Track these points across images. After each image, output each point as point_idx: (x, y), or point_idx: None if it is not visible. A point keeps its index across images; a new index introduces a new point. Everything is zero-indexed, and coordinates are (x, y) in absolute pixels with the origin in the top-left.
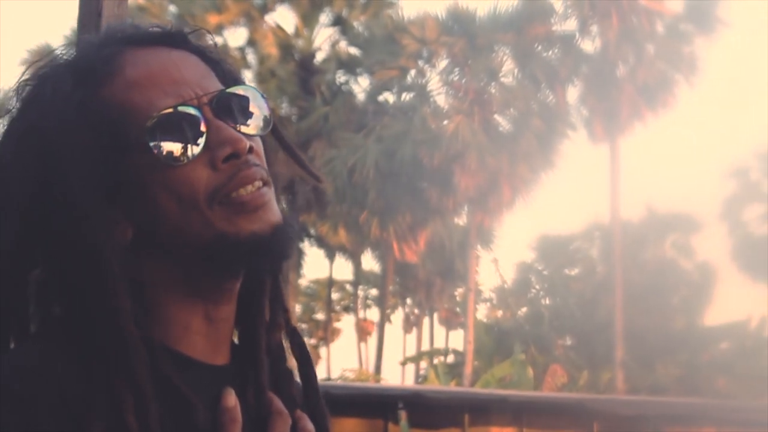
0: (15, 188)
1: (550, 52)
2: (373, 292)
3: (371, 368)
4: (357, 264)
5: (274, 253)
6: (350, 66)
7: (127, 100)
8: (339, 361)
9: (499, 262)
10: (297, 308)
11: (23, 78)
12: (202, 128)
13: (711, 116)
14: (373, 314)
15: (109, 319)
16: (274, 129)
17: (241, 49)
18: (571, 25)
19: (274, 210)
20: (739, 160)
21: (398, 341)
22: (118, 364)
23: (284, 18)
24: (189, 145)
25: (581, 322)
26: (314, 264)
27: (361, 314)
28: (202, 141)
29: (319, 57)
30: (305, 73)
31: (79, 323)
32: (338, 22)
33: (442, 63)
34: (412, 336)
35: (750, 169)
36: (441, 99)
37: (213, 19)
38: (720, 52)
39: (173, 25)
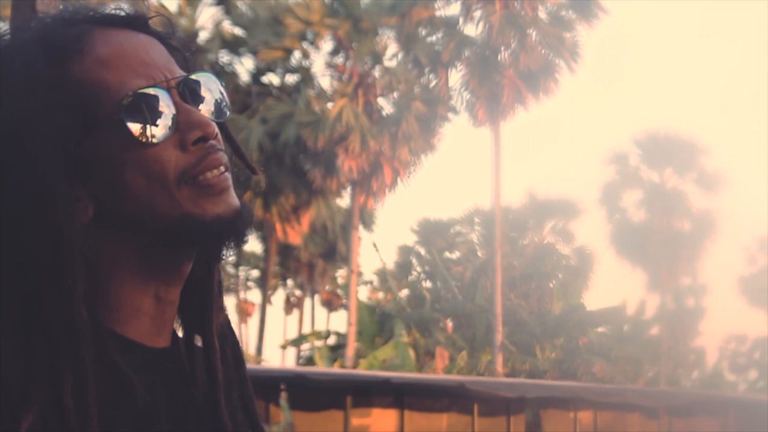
0: None
1: (434, 37)
2: (254, 273)
3: (252, 350)
4: None
5: (235, 236)
6: (234, 46)
7: (99, 78)
8: None
9: (381, 244)
10: None
11: None
12: (173, 110)
13: (592, 103)
14: (254, 296)
15: (61, 300)
16: (223, 126)
17: None
18: (454, 9)
19: (234, 195)
20: (619, 146)
21: (279, 323)
22: (64, 346)
23: None
24: (162, 125)
25: (462, 305)
26: None
27: (241, 295)
28: (173, 122)
29: (203, 36)
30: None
31: (28, 301)
32: (222, 1)
33: (327, 45)
34: (293, 317)
35: (629, 155)
36: (325, 81)
37: None
38: (601, 39)
39: (135, 10)
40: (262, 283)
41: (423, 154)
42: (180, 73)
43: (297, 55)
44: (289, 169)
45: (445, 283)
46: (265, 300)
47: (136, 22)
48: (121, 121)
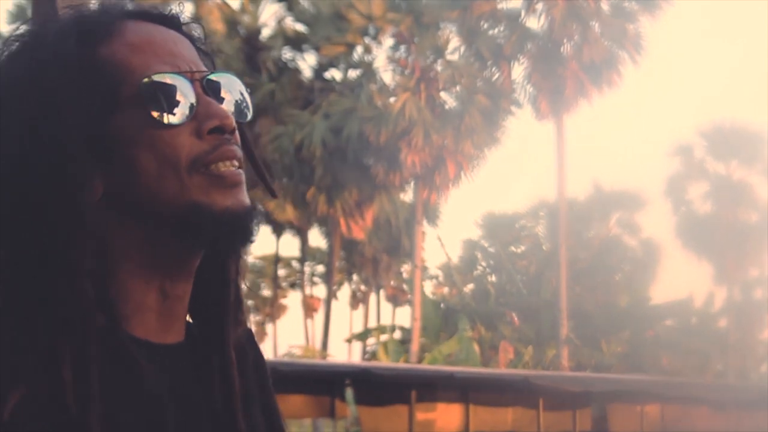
0: (4, 135)
1: (496, 30)
2: (320, 268)
3: (318, 345)
4: (304, 240)
5: (242, 232)
6: (296, 42)
7: (125, 60)
8: (285, 338)
9: (445, 239)
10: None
11: (18, 31)
12: (193, 99)
13: (656, 94)
14: (320, 291)
15: (66, 272)
16: (240, 129)
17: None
18: (516, 2)
19: (245, 192)
20: (683, 138)
21: (345, 318)
22: (65, 320)
23: None
24: (180, 111)
25: (527, 299)
26: (261, 240)
27: (307, 291)
28: (192, 110)
29: (265, 33)
30: (251, 50)
31: (30, 275)
32: None
33: (388, 40)
34: (359, 312)
35: (694, 146)
36: (387, 76)
37: None
38: (664, 30)
39: (169, 9)
40: (328, 279)
41: (486, 148)
42: (205, 69)
43: (359, 50)
44: (352, 165)
45: (510, 278)
46: (331, 295)
47: (169, 20)
48: (141, 102)
